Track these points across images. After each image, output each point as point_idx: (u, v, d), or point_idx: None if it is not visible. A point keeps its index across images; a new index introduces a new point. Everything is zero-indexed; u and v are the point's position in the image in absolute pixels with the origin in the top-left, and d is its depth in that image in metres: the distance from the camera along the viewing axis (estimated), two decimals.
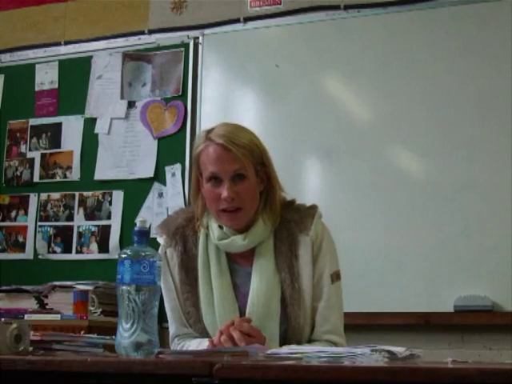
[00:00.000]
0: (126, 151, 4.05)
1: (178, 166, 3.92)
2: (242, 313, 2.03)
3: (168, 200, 3.91)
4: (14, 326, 1.62)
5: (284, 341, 2.03)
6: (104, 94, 4.16)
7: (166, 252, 2.11)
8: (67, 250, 4.09)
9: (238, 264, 2.09)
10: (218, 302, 2.04)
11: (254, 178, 2.03)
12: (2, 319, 1.64)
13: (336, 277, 2.08)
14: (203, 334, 2.08)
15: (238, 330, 1.89)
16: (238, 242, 2.04)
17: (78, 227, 4.09)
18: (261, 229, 2.05)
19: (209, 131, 2.04)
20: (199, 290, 2.08)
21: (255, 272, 2.04)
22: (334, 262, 2.09)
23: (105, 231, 4.02)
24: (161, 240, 2.14)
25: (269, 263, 2.04)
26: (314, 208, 2.11)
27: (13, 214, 4.23)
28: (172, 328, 2.16)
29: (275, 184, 2.08)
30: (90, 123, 4.15)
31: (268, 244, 2.06)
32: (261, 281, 2.03)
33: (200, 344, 2.03)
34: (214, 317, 2.04)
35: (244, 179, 2.00)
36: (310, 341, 2.06)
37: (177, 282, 2.10)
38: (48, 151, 4.23)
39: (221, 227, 2.06)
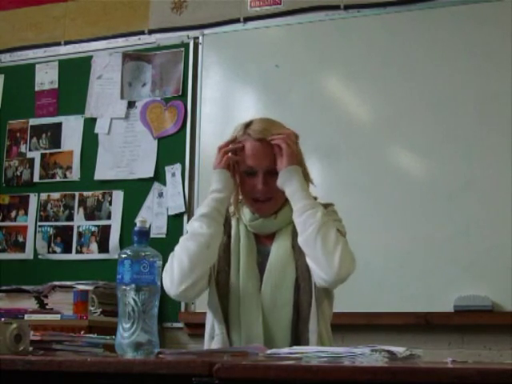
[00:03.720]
0: (126, 151, 4.05)
1: (177, 165, 3.92)
2: (261, 282, 2.15)
3: (168, 200, 3.91)
4: (14, 325, 1.62)
5: (297, 309, 2.12)
6: (104, 93, 4.16)
7: None
8: (67, 249, 4.09)
9: (262, 245, 2.23)
10: (243, 271, 2.17)
11: None
12: (2, 319, 1.64)
13: (341, 233, 2.16)
14: (225, 299, 2.16)
15: None
16: (269, 223, 2.21)
17: (78, 227, 4.09)
18: (289, 213, 2.19)
19: (247, 125, 2.21)
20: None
21: (274, 246, 2.20)
22: (341, 225, 2.21)
23: (105, 231, 4.02)
24: None
25: (286, 240, 2.19)
26: (330, 204, 2.27)
27: (13, 213, 4.23)
28: None
29: (305, 174, 2.25)
30: (90, 123, 4.15)
31: (288, 226, 2.21)
32: (278, 251, 2.19)
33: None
34: (238, 282, 2.16)
35: (276, 174, 2.16)
36: None
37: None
38: (48, 151, 4.23)
39: (252, 212, 2.23)
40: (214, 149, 2.22)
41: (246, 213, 2.25)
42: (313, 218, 2.09)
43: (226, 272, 2.18)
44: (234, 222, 2.26)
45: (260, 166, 2.16)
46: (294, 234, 2.18)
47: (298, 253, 2.15)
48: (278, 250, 2.19)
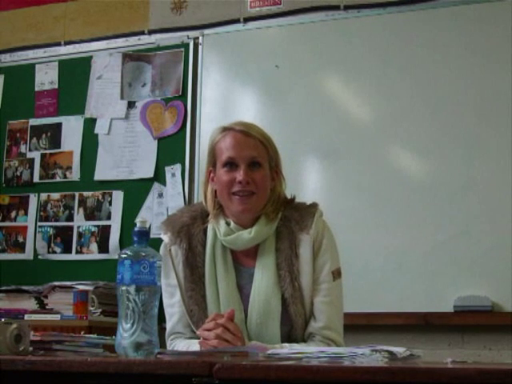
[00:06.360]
0: (126, 151, 4.05)
1: (177, 166, 3.92)
2: (245, 313, 2.03)
3: (168, 200, 3.91)
4: (14, 326, 1.62)
5: (290, 341, 2.02)
6: (104, 94, 4.16)
7: (170, 249, 2.09)
8: (67, 250, 4.09)
9: (242, 265, 2.09)
10: (224, 302, 2.03)
11: (267, 170, 2.08)
12: (2, 319, 1.64)
13: (337, 274, 2.07)
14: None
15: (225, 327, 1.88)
16: (244, 237, 2.04)
17: (78, 227, 4.09)
18: (265, 224, 2.05)
19: (226, 126, 2.10)
20: (205, 288, 2.06)
21: (257, 271, 2.05)
22: (334, 259, 2.08)
23: (105, 231, 4.02)
24: (165, 237, 2.11)
25: (270, 262, 2.04)
26: (314, 206, 2.11)
27: (13, 214, 4.23)
28: (168, 325, 2.13)
29: (281, 182, 2.12)
30: (90, 123, 4.15)
31: (270, 243, 2.06)
32: (262, 280, 2.03)
33: (189, 347, 2.00)
34: (218, 311, 2.02)
35: (259, 167, 2.05)
36: (307, 335, 2.04)
37: (181, 279, 2.07)
38: (48, 151, 4.23)
39: (228, 224, 2.07)
40: None
41: (222, 225, 2.06)
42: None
43: (199, 301, 2.04)
44: (210, 234, 2.08)
45: (241, 157, 2.02)
46: (278, 250, 2.04)
47: (283, 279, 2.01)
48: (263, 275, 2.03)
